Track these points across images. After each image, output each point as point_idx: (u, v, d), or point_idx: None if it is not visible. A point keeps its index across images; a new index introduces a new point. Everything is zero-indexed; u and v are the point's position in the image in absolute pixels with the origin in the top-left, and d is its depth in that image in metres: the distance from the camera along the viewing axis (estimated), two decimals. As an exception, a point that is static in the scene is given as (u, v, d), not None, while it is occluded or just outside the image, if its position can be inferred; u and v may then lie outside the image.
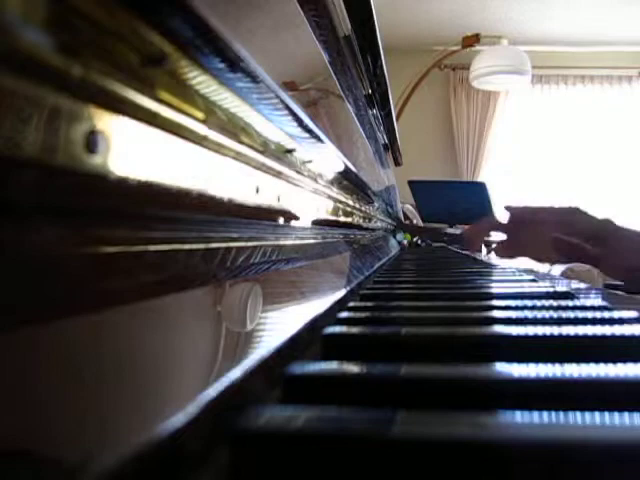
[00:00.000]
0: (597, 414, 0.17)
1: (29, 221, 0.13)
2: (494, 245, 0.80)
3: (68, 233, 0.15)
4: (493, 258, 1.11)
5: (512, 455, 0.15)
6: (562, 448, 0.15)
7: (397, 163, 1.74)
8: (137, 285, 0.18)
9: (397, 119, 1.53)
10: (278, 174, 0.35)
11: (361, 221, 0.84)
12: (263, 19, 0.28)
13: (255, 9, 0.27)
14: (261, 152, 0.30)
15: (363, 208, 0.85)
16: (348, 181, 0.64)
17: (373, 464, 0.15)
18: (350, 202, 0.70)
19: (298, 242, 0.43)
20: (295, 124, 0.33)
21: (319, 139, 0.39)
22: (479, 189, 2.25)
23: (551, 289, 0.52)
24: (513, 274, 0.74)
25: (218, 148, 0.25)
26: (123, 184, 0.17)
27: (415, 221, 2.33)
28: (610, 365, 0.22)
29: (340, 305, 0.40)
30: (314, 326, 0.30)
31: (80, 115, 0.14)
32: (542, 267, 0.82)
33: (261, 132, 0.30)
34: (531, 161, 3.79)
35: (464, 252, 1.38)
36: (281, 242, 0.38)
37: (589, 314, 0.35)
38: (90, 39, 0.14)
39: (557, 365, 0.22)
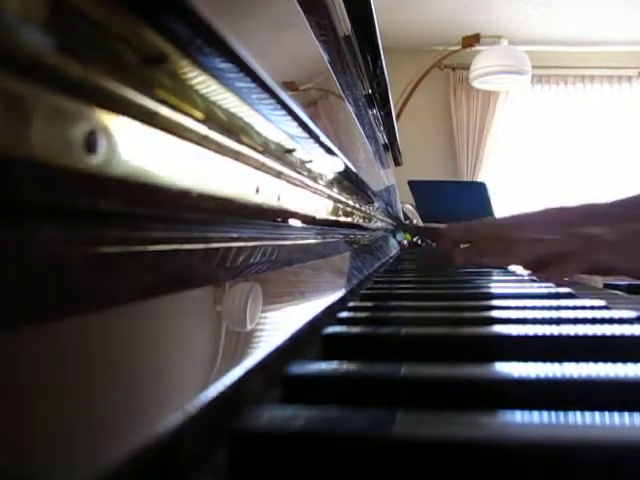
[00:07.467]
0: (597, 414, 0.17)
1: (29, 221, 0.13)
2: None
3: (68, 233, 0.15)
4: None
5: (512, 455, 0.15)
6: (562, 448, 0.15)
7: (397, 163, 1.74)
8: (137, 285, 0.18)
9: (397, 119, 1.53)
10: (278, 174, 0.35)
11: (361, 221, 0.84)
12: (263, 19, 0.28)
13: (255, 9, 0.27)
14: (261, 152, 0.30)
15: (363, 208, 0.85)
16: (348, 181, 0.64)
17: (373, 464, 0.15)
18: (350, 202, 0.70)
19: (298, 242, 0.43)
20: (295, 124, 0.33)
21: (319, 139, 0.39)
22: (479, 189, 2.25)
23: (551, 289, 0.52)
24: (513, 274, 0.74)
25: (218, 148, 0.25)
26: (123, 184, 0.17)
27: (415, 221, 2.33)
28: (610, 365, 0.22)
29: (340, 305, 0.40)
30: (314, 326, 0.30)
31: (80, 115, 0.14)
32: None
33: (261, 132, 0.30)
34: (531, 161, 3.79)
35: None
36: (281, 242, 0.38)
37: (589, 314, 0.35)
38: (90, 39, 0.14)
39: (557, 365, 0.22)
